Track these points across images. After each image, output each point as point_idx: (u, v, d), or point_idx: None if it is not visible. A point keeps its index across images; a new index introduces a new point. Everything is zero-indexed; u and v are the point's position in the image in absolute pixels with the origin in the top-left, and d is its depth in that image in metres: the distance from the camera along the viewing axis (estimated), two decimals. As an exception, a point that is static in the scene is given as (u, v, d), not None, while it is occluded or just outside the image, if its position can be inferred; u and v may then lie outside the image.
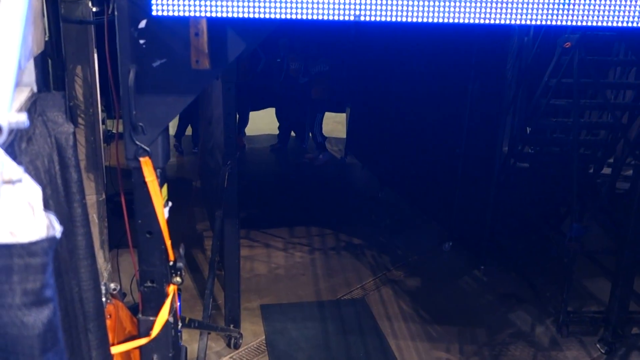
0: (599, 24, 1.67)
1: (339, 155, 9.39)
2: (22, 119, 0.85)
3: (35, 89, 1.92)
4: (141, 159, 2.18)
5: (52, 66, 2.90)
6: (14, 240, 0.87)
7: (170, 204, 2.36)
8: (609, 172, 5.49)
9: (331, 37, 8.03)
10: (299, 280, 5.48)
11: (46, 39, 2.62)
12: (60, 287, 1.74)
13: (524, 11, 1.59)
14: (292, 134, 9.77)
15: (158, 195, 2.23)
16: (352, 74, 8.49)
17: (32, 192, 0.91)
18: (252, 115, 9.56)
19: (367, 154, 8.49)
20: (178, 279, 2.42)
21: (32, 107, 1.76)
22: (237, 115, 8.32)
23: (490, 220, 5.56)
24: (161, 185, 2.27)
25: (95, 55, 3.34)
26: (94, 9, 2.83)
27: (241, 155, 8.82)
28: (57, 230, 0.95)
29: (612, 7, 1.66)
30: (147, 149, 2.16)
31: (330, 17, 1.49)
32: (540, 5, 1.61)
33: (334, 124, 10.32)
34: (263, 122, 10.09)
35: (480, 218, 5.65)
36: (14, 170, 0.79)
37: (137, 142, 2.15)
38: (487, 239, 5.62)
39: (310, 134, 9.25)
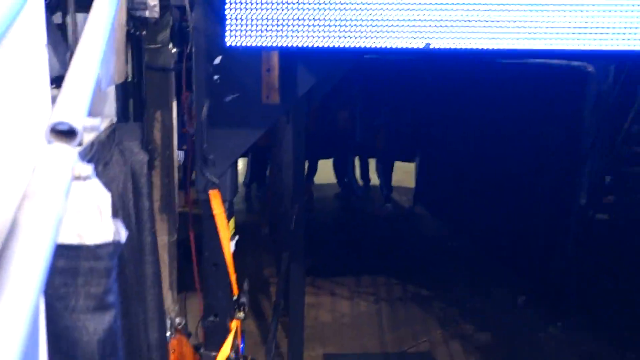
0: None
1: (407, 205, 9.24)
2: (96, 123, 0.87)
3: (115, 120, 2.01)
4: (210, 192, 2.21)
5: (133, 107, 3.05)
6: (81, 242, 0.88)
7: (237, 237, 2.38)
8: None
9: (399, 82, 8.00)
10: (363, 330, 5.33)
11: (129, 79, 2.77)
12: (125, 311, 1.75)
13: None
14: (360, 182, 9.74)
15: (225, 228, 2.24)
16: (422, 121, 8.42)
17: (101, 196, 0.92)
18: (319, 164, 9.61)
19: (437, 203, 8.32)
20: (241, 314, 2.40)
21: (110, 134, 1.84)
22: (307, 163, 8.39)
23: (569, 274, 5.25)
24: (229, 218, 2.29)
25: (175, 103, 3.50)
26: (174, 50, 2.97)
27: (309, 203, 8.84)
28: (123, 236, 0.95)
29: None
30: (216, 181, 2.20)
31: (400, 45, 1.49)
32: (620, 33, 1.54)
33: (403, 174, 10.22)
34: (330, 171, 10.12)
35: (557, 271, 5.34)
36: (84, 167, 0.81)
37: (207, 175, 2.19)
38: (565, 293, 5.30)
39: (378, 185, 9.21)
